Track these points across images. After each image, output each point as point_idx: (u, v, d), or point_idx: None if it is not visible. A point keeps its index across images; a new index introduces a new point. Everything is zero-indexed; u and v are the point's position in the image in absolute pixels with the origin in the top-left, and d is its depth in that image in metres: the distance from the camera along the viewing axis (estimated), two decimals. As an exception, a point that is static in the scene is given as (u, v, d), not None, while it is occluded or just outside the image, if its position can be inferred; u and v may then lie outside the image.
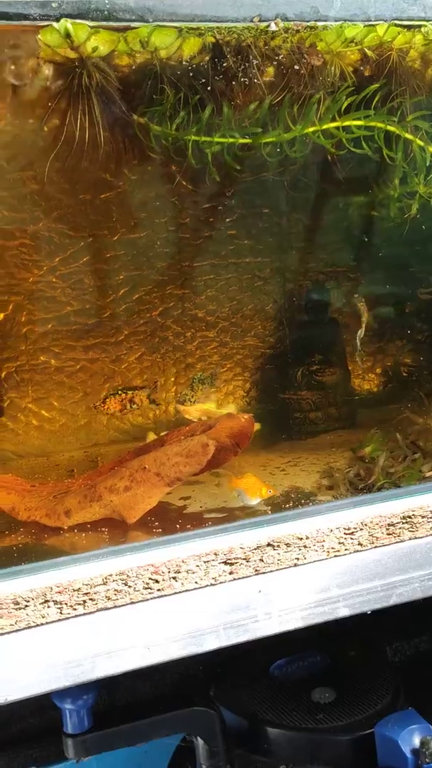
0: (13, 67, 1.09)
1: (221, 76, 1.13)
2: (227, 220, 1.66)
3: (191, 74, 1.13)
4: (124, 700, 1.49)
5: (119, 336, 1.64)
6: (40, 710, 1.46)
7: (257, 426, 1.37)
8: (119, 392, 1.43)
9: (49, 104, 1.09)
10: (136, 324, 1.63)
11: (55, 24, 1.00)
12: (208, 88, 1.13)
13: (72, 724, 1.31)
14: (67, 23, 1.02)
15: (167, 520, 1.18)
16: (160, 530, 1.13)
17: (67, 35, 1.03)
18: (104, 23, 1.01)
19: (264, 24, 1.09)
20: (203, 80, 1.13)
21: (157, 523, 1.16)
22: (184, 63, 1.12)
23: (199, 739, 1.34)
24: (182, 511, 1.22)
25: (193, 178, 1.52)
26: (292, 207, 1.66)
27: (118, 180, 1.50)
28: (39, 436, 1.62)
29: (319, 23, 1.11)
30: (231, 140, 1.17)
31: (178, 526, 1.14)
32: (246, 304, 1.71)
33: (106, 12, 1.00)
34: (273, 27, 1.09)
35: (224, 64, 1.11)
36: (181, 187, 1.57)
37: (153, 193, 1.57)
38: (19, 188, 1.49)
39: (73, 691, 1.15)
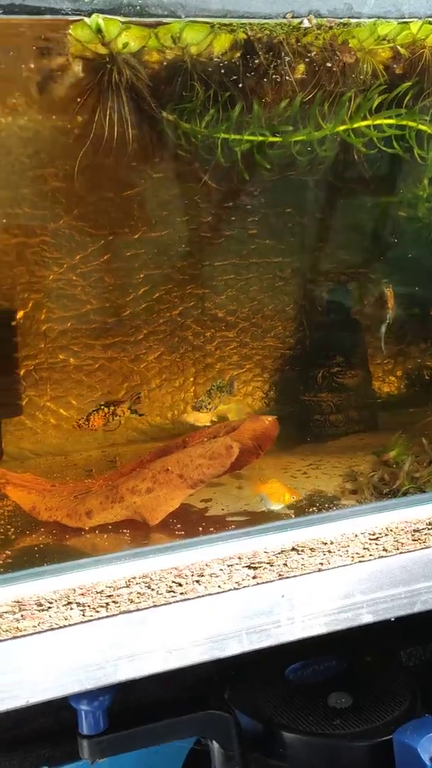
0: (41, 63, 1.08)
1: (252, 73, 1.11)
2: (249, 219, 1.64)
3: (222, 71, 1.11)
4: (139, 702, 1.48)
5: (138, 335, 1.63)
6: (53, 710, 1.46)
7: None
8: (101, 407, 1.42)
9: (78, 100, 1.07)
10: (156, 323, 1.62)
11: (86, 19, 0.99)
12: (239, 86, 1.11)
13: (87, 725, 1.30)
14: (98, 18, 1.00)
15: (189, 523, 1.16)
16: (183, 533, 1.12)
17: (99, 31, 1.02)
18: (135, 19, 1.00)
19: (297, 20, 1.07)
20: (234, 77, 1.12)
21: (179, 526, 1.15)
22: (214, 60, 1.11)
23: (214, 742, 1.33)
24: (204, 514, 1.21)
25: (217, 176, 1.50)
26: (315, 206, 1.64)
27: (141, 178, 1.49)
28: (57, 435, 1.61)
29: (352, 20, 1.09)
30: (261, 138, 1.16)
31: (200, 528, 1.13)
32: (266, 305, 1.70)
33: (138, 7, 0.98)
34: (306, 23, 1.07)
35: (255, 61, 1.09)
36: (203, 185, 1.56)
37: (175, 191, 1.56)
38: (40, 185, 1.48)
39: (90, 692, 1.13)
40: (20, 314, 1.55)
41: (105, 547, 1.13)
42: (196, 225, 1.61)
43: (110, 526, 1.17)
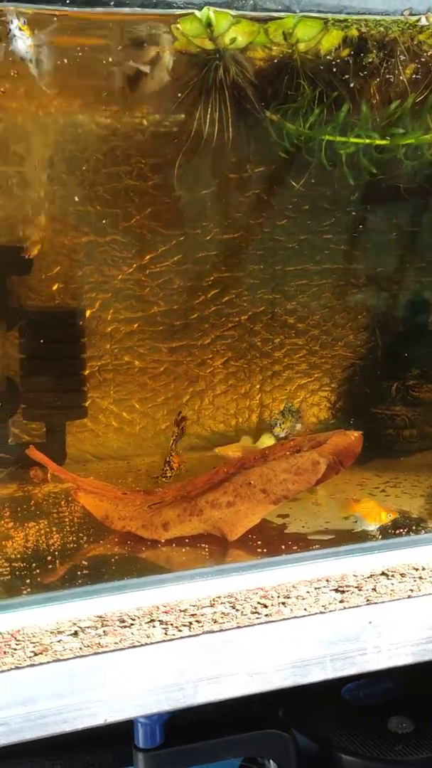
0: (140, 57, 1.04)
1: (362, 72, 1.06)
2: (325, 223, 1.59)
3: (333, 69, 1.06)
4: (194, 716, 1.44)
5: (206, 339, 1.59)
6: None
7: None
8: (169, 458, 1.38)
9: (178, 96, 1.03)
10: (224, 327, 1.58)
11: (197, 12, 0.95)
12: (349, 85, 1.06)
13: (144, 738, 1.26)
14: (209, 12, 0.96)
15: (269, 539, 1.12)
16: (264, 550, 1.08)
17: (209, 24, 0.97)
18: (247, 13, 0.95)
19: (414, 18, 1.01)
20: (343, 76, 1.06)
21: (259, 542, 1.10)
22: (321, 57, 1.05)
23: (271, 762, 1.29)
24: (283, 530, 1.16)
25: (299, 178, 1.45)
26: (394, 212, 1.58)
27: (220, 178, 1.45)
28: (118, 439, 1.58)
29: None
30: (368, 141, 1.10)
31: (283, 546, 1.09)
32: (338, 312, 1.65)
33: (252, 1, 0.94)
34: (423, 21, 1.01)
35: (368, 60, 1.04)
36: (283, 188, 1.51)
37: (251, 192, 1.52)
38: (114, 183, 1.45)
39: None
40: (87, 314, 1.52)
41: (183, 562, 1.09)
42: (270, 228, 1.56)
43: (187, 540, 1.13)
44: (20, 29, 0.91)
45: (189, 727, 1.29)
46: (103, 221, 1.42)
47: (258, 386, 1.63)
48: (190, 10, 0.94)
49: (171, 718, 1.21)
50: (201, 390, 1.60)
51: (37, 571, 1.05)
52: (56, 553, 1.11)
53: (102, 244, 1.50)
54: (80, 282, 1.50)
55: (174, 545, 1.13)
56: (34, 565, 1.06)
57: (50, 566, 1.07)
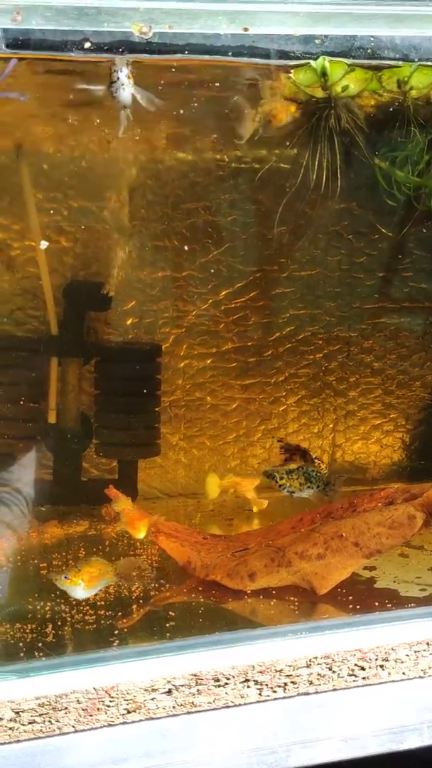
0: (250, 104, 1.03)
1: None
2: (405, 260, 1.56)
3: None
4: None
5: (280, 377, 1.56)
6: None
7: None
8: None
9: (287, 143, 1.02)
10: (299, 365, 1.55)
11: (312, 62, 0.94)
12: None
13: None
14: (325, 62, 0.95)
15: (360, 594, 1.07)
16: (357, 606, 1.03)
17: (323, 74, 0.96)
18: (362, 61, 0.94)
19: None
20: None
21: (350, 597, 1.06)
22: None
23: None
24: (373, 585, 1.12)
25: (381, 219, 1.42)
26: None
27: (300, 216, 1.42)
28: (187, 476, 1.55)
29: None
30: None
31: (376, 603, 1.04)
32: (416, 351, 1.61)
33: (369, 50, 0.93)
34: None
35: None
36: (363, 225, 1.48)
37: (330, 229, 1.50)
38: (192, 218, 1.45)
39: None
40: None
41: (270, 615, 1.05)
42: (348, 265, 1.54)
43: (273, 591, 1.09)
44: (128, 78, 0.91)
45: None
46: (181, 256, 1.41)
47: (331, 426, 1.60)
48: (305, 61, 0.93)
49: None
50: (273, 428, 1.57)
51: (124, 620, 1.02)
52: (140, 600, 1.09)
53: (178, 279, 1.49)
54: (155, 317, 1.50)
55: (261, 596, 1.09)
56: (119, 613, 1.04)
57: (135, 615, 1.05)
